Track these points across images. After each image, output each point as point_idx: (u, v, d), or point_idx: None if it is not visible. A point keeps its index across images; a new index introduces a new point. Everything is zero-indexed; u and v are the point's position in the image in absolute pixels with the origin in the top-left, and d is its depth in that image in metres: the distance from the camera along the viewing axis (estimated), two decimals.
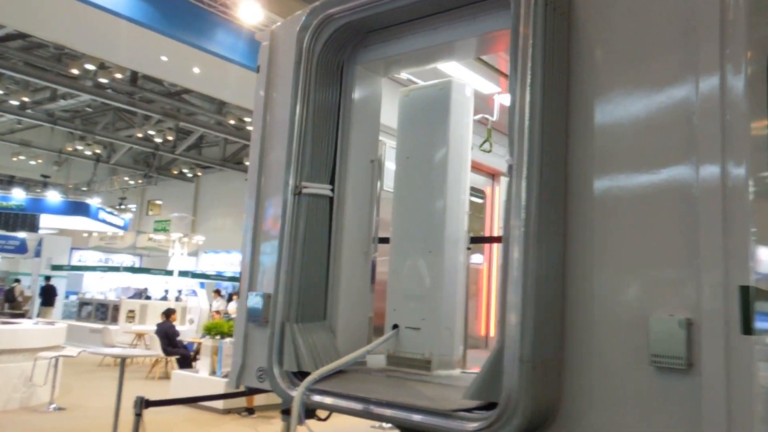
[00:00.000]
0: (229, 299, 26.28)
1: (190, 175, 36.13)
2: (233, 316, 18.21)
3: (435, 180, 4.42)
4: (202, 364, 9.65)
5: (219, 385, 9.27)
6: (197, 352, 13.17)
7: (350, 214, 4.31)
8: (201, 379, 9.66)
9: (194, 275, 27.67)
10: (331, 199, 4.23)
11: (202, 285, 26.15)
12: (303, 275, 3.99)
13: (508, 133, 3.19)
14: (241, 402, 9.25)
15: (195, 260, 29.14)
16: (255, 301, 4.22)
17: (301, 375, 3.82)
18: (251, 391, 4.53)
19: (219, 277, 29.42)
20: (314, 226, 4.09)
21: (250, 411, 9.19)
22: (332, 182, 4.26)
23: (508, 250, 3.04)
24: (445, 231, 4.33)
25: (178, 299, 21.10)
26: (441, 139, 4.44)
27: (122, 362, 6.77)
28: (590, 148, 3.09)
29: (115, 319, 17.91)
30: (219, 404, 9.14)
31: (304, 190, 4.05)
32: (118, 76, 21.70)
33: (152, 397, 4.72)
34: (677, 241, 2.76)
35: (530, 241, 2.95)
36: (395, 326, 4.43)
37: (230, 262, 32.31)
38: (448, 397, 3.39)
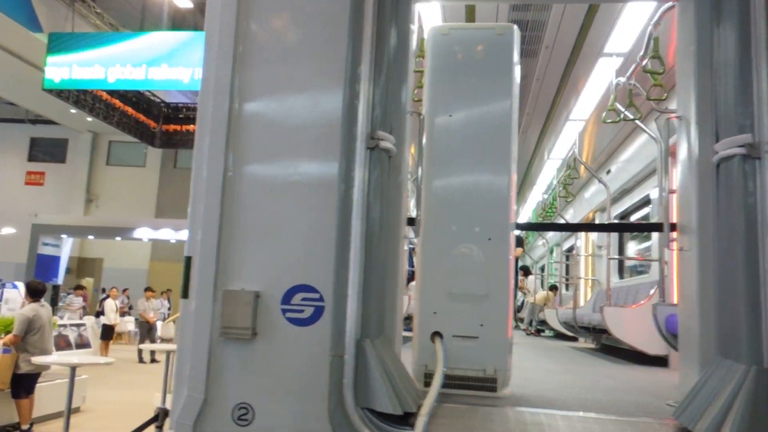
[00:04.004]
0: None
1: None
2: None
3: (495, 147, 3.47)
4: None
5: None
6: None
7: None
8: None
9: None
10: (390, 158, 2.97)
11: None
12: (382, 269, 2.72)
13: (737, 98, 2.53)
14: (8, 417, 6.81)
15: None
16: (235, 303, 2.70)
17: (381, 414, 2.60)
18: None
19: None
20: (391, 195, 2.83)
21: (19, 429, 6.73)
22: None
23: (755, 247, 2.41)
24: (509, 213, 3.43)
25: None
26: (503, 95, 3.50)
27: None
28: None
29: None
30: None
31: (382, 143, 2.76)
32: None
33: None
34: None
35: None
36: (436, 334, 3.39)
37: None
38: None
